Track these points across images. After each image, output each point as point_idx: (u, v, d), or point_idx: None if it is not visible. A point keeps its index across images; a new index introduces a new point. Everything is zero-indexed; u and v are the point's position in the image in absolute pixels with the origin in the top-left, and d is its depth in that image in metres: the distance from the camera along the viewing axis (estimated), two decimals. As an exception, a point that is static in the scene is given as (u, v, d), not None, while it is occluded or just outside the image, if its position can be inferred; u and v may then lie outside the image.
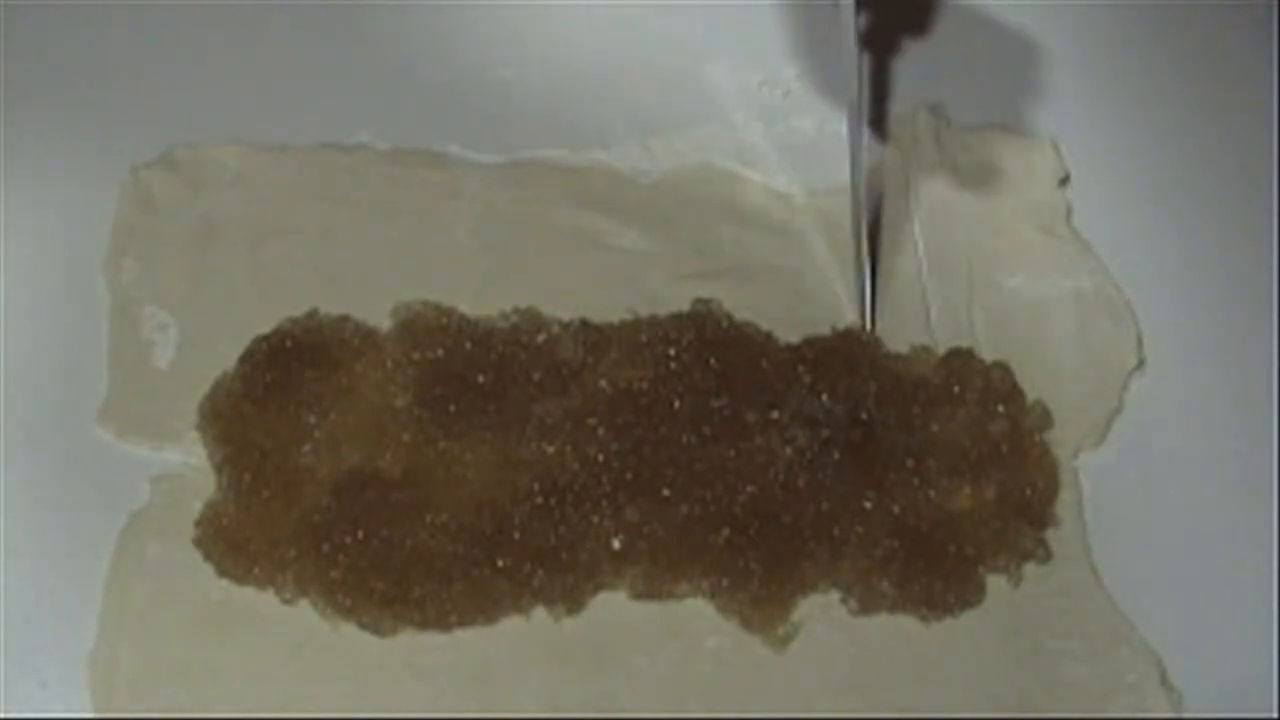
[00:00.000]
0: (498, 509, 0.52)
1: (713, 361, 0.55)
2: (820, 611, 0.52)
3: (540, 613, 0.51)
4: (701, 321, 0.56)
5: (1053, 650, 0.52)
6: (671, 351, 0.55)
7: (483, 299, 0.57)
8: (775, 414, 0.54)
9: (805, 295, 0.59)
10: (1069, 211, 0.63)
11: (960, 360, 0.57)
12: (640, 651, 0.51)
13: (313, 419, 0.53)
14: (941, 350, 0.57)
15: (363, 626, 0.50)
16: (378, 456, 0.53)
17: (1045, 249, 0.61)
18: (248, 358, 0.55)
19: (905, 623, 0.52)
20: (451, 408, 0.53)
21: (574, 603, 0.51)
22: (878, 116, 0.65)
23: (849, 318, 0.58)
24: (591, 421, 0.53)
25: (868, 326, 0.58)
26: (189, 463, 0.53)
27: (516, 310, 0.57)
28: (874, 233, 0.60)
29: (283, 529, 0.51)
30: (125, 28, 0.65)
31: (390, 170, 0.61)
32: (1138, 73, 0.68)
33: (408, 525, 0.51)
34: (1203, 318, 0.61)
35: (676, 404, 0.54)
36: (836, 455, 0.54)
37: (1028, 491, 0.54)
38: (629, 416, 0.54)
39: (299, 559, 0.51)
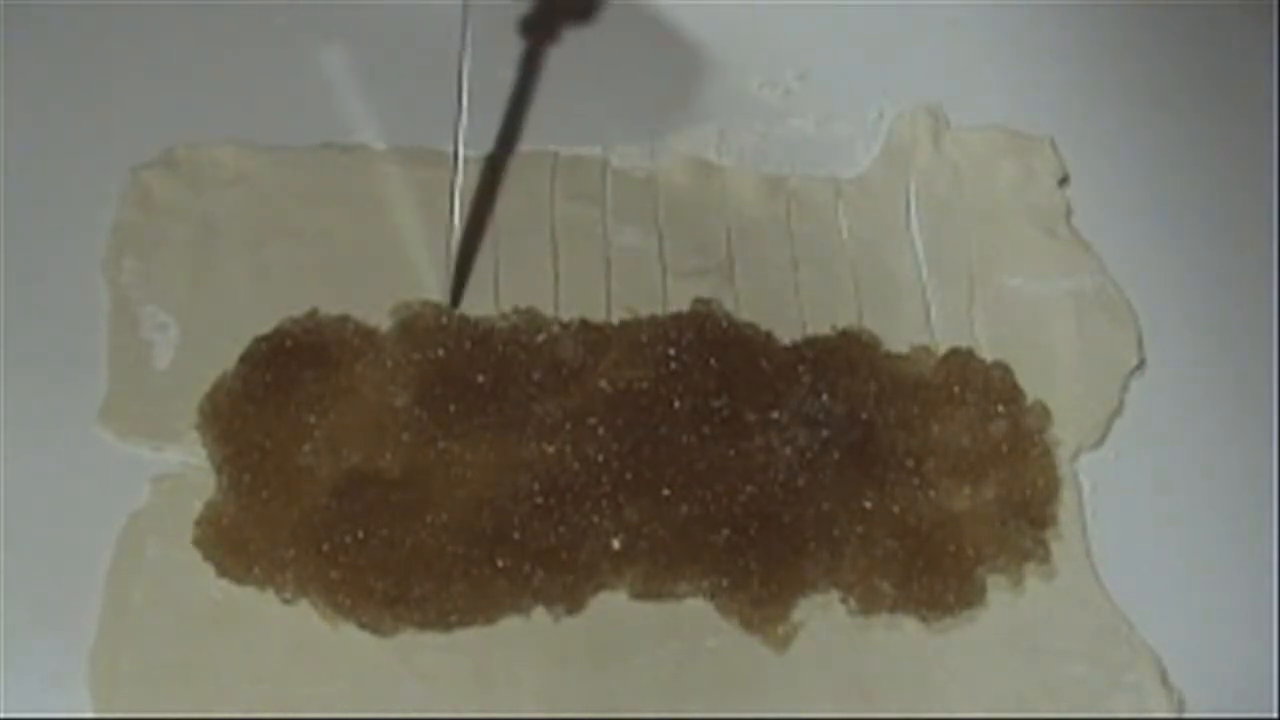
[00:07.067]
0: (498, 509, 0.52)
1: (713, 361, 0.55)
2: (820, 611, 0.52)
3: (540, 613, 0.51)
4: (701, 321, 0.56)
5: (1053, 650, 0.52)
6: (671, 351, 0.55)
7: (483, 299, 0.57)
8: (775, 414, 0.54)
9: (805, 295, 0.59)
10: (1069, 211, 0.63)
11: (960, 360, 0.57)
12: (640, 651, 0.51)
13: (313, 419, 0.53)
14: (941, 350, 0.57)
15: (363, 626, 0.50)
16: (378, 456, 0.53)
17: (1045, 249, 0.61)
18: (248, 358, 0.55)
19: (905, 623, 0.52)
20: (451, 408, 0.53)
21: (574, 603, 0.51)
22: (877, 116, 0.65)
23: (849, 318, 0.58)
24: (591, 421, 0.53)
25: (448, 301, 0.57)
26: (189, 463, 0.53)
27: (516, 310, 0.57)
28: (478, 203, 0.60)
29: (283, 529, 0.51)
30: (125, 28, 0.65)
31: (390, 170, 0.61)
32: (1138, 73, 0.68)
33: (408, 525, 0.51)
34: (1203, 318, 0.61)
35: (676, 404, 0.54)
36: (836, 455, 0.54)
37: (1028, 491, 0.54)
38: (629, 416, 0.54)
39: (299, 559, 0.51)
